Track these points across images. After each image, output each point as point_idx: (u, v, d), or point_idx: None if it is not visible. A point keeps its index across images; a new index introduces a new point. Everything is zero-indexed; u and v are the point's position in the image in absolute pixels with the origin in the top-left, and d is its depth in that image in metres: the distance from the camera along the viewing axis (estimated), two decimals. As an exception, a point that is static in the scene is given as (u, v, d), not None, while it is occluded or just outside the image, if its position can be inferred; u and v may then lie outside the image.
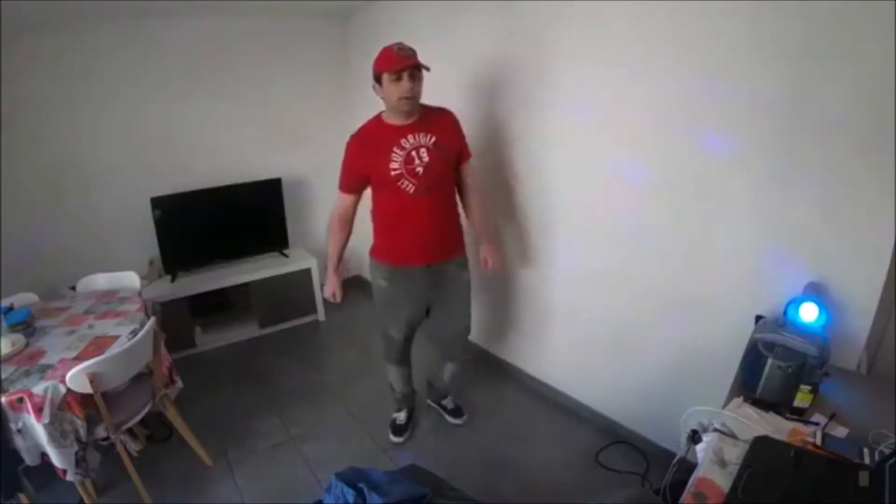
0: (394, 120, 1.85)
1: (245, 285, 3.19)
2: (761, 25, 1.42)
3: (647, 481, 1.89)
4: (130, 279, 2.44)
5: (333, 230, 2.01)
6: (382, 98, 1.82)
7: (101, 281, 2.44)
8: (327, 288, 2.07)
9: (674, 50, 1.65)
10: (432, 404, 2.44)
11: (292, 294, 3.37)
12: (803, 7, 1.32)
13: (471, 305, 2.17)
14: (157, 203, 2.96)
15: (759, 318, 1.39)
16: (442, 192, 1.92)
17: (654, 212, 1.83)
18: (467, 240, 2.13)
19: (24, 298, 2.22)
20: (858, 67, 1.26)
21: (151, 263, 3.11)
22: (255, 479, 2.05)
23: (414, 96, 1.76)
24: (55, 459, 1.57)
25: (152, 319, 1.88)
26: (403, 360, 2.23)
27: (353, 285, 4.02)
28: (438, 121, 1.90)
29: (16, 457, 1.59)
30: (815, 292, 1.38)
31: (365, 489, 1.16)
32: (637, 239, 1.92)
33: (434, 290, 2.02)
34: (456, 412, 2.37)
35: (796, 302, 1.35)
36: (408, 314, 2.05)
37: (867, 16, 1.22)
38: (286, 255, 3.44)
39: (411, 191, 1.83)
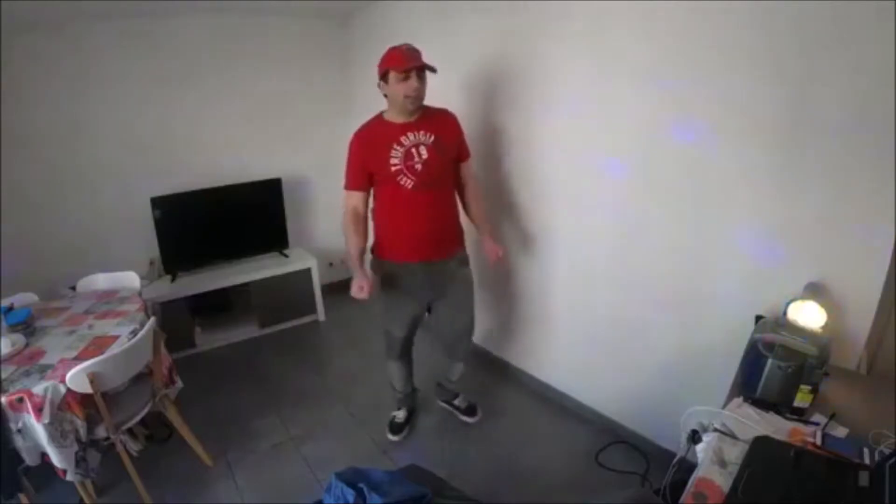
0: (395, 118, 1.88)
1: (245, 285, 3.19)
2: (761, 26, 1.42)
3: (647, 481, 1.89)
4: (130, 279, 2.44)
5: (349, 232, 1.96)
6: (387, 96, 1.84)
7: (101, 281, 2.44)
8: (354, 284, 1.89)
9: (675, 51, 1.65)
10: (444, 405, 2.43)
11: (292, 294, 3.37)
12: (803, 7, 1.32)
13: (474, 303, 2.17)
14: (157, 203, 2.96)
15: (759, 318, 1.40)
16: (440, 189, 1.94)
17: (655, 212, 1.83)
18: (469, 239, 2.13)
19: (24, 298, 2.22)
20: (858, 68, 1.26)
21: (151, 263, 3.11)
22: (255, 479, 2.05)
23: (419, 96, 1.79)
24: (55, 459, 1.57)
25: (152, 319, 1.88)
26: (404, 357, 2.24)
27: (353, 285, 4.03)
28: (439, 120, 1.93)
29: (16, 457, 1.58)
30: (815, 292, 1.38)
31: (365, 489, 1.16)
32: (637, 239, 1.92)
33: (434, 287, 2.03)
34: (469, 410, 2.37)
35: (796, 302, 1.35)
36: (408, 311, 2.06)
37: (867, 17, 1.22)
38: (286, 255, 3.44)
39: (409, 186, 1.86)
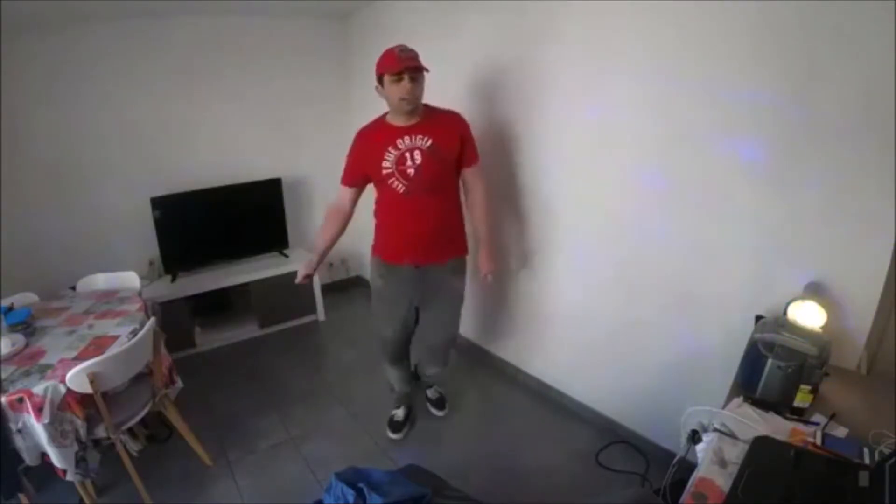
0: (395, 121, 1.87)
1: (245, 285, 3.19)
2: (762, 27, 1.42)
3: (647, 481, 1.89)
4: (130, 279, 2.44)
5: (326, 221, 2.05)
6: (385, 98, 1.84)
7: (101, 281, 2.44)
8: (301, 269, 2.01)
9: (676, 53, 1.64)
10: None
11: (292, 294, 3.34)
12: (803, 8, 1.32)
13: (459, 315, 2.17)
14: (157, 203, 2.95)
15: (759, 318, 1.39)
16: (436, 195, 1.92)
17: (655, 212, 1.83)
18: (473, 246, 2.12)
19: (24, 298, 2.22)
20: (859, 68, 1.26)
21: (151, 263, 3.10)
22: (255, 479, 2.05)
23: (414, 97, 1.78)
24: (55, 459, 1.57)
25: (152, 319, 1.88)
26: (398, 359, 2.25)
27: (354, 285, 4.03)
28: (441, 124, 1.90)
29: (16, 457, 1.58)
30: (815, 292, 1.38)
31: (365, 489, 1.16)
32: (637, 239, 1.92)
33: (423, 292, 2.03)
34: (438, 403, 2.39)
35: (796, 302, 1.35)
36: (399, 313, 2.07)
37: (867, 17, 1.22)
38: (286, 255, 3.44)
39: (401, 190, 1.87)
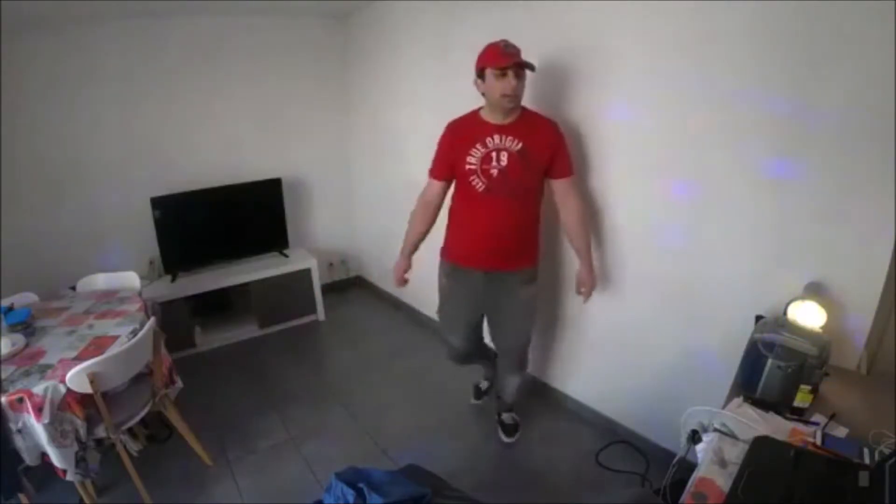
0: (489, 117, 1.82)
1: (245, 285, 3.19)
2: (763, 26, 1.42)
3: (647, 481, 1.89)
4: (130, 279, 2.44)
5: (416, 215, 1.99)
6: (483, 94, 1.79)
7: (101, 281, 2.43)
8: (396, 271, 2.03)
9: (676, 51, 1.65)
10: (496, 416, 2.29)
11: (292, 294, 3.37)
12: (804, 8, 1.32)
13: (531, 323, 2.05)
14: (157, 203, 2.95)
15: (759, 318, 1.40)
16: (517, 200, 1.83)
17: (654, 212, 1.83)
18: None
19: (24, 298, 2.22)
20: (860, 68, 1.26)
21: (151, 263, 3.11)
22: (255, 479, 2.05)
23: (517, 95, 1.72)
24: (55, 459, 1.57)
25: (152, 319, 1.88)
26: (468, 362, 2.25)
27: (354, 285, 4.03)
28: (534, 129, 1.81)
29: (16, 457, 1.58)
30: (815, 292, 1.38)
31: (365, 489, 1.16)
32: (637, 240, 1.92)
33: (489, 299, 1.97)
34: (508, 429, 2.21)
35: (796, 302, 1.35)
36: (463, 317, 2.03)
37: (867, 17, 1.22)
38: (286, 255, 3.44)
39: (480, 189, 1.81)
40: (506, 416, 2.24)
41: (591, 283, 1.93)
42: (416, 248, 2.03)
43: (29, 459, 1.59)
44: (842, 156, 1.33)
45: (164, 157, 3.12)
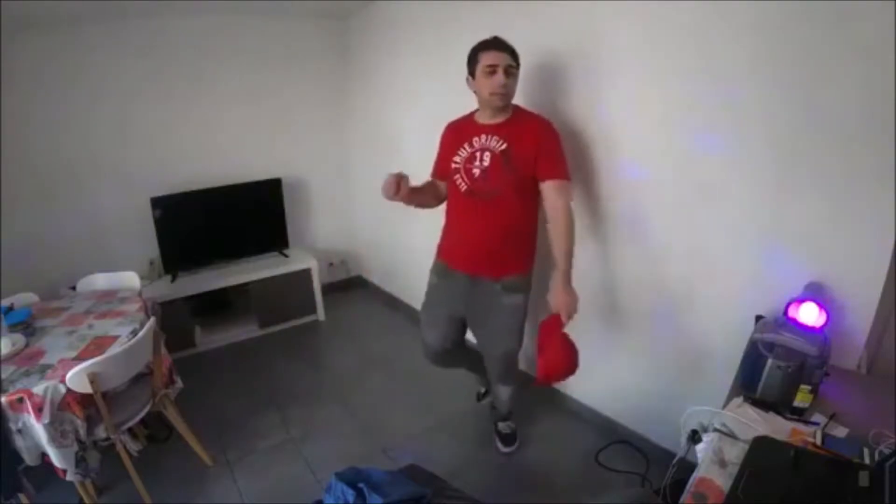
0: (481, 117, 1.82)
1: (245, 285, 3.19)
2: (764, 26, 1.42)
3: (647, 481, 1.89)
4: (130, 279, 2.44)
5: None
6: (475, 93, 1.79)
7: (101, 281, 2.43)
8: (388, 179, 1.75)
9: (677, 50, 1.64)
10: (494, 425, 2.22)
11: (292, 294, 3.37)
12: (804, 8, 1.32)
13: (517, 331, 1.93)
14: (157, 203, 2.96)
15: (759, 318, 1.40)
16: (500, 202, 1.76)
17: (654, 212, 1.83)
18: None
19: (24, 298, 2.22)
20: (860, 68, 1.26)
21: (151, 263, 3.11)
22: (255, 479, 2.05)
23: (506, 93, 1.71)
24: (55, 459, 1.57)
25: (152, 319, 1.88)
26: (443, 363, 2.15)
27: (354, 285, 4.03)
28: (522, 129, 1.75)
29: (16, 457, 1.58)
30: (815, 292, 1.38)
31: (365, 489, 1.16)
32: (636, 239, 1.92)
33: (473, 304, 1.92)
34: (507, 439, 2.15)
35: (796, 302, 1.35)
36: (442, 316, 1.99)
37: (868, 17, 1.22)
38: (286, 255, 3.44)
39: (463, 189, 1.81)
40: (502, 426, 2.18)
41: (563, 301, 1.68)
42: (414, 190, 1.82)
43: (29, 459, 1.59)
44: (842, 156, 1.33)
45: (165, 157, 3.12)
